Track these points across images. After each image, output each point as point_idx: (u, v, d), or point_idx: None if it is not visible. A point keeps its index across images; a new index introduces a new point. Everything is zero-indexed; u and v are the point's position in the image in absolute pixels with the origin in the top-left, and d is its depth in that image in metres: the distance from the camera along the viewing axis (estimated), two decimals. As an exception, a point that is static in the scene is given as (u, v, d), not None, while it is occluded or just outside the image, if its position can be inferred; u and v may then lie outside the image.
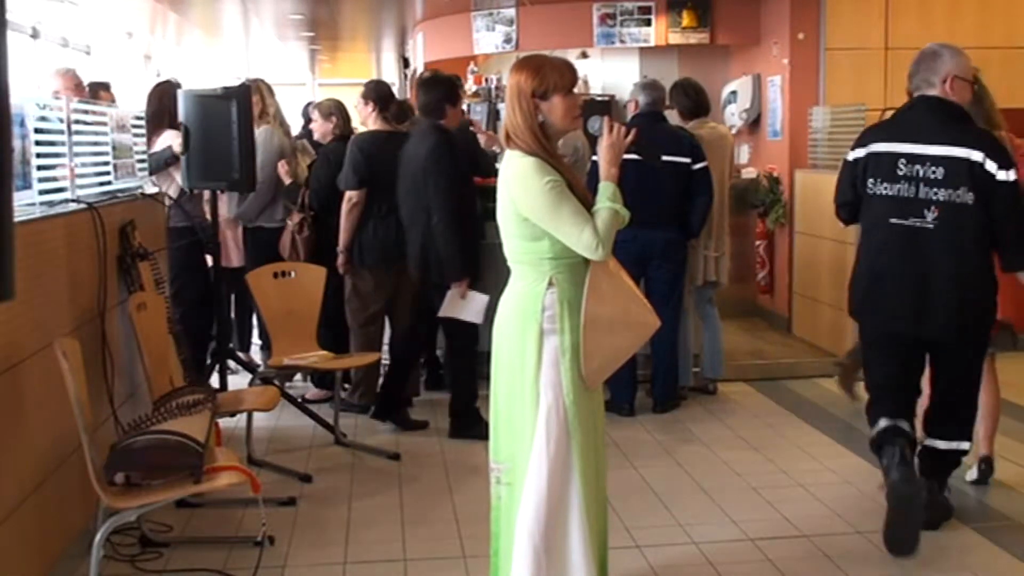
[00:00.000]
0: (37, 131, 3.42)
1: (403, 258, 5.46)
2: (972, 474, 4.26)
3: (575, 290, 2.86)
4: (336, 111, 5.90)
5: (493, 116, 9.30)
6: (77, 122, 3.83)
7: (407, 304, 5.64)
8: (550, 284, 2.84)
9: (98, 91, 6.12)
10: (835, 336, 6.38)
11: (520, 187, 2.81)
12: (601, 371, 2.91)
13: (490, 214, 5.95)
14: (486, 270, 6.06)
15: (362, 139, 5.45)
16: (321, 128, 5.97)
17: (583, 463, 2.88)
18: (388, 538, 3.85)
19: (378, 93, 5.53)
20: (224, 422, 4.43)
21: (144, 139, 4.80)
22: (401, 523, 4.00)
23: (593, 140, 3.10)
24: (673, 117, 5.82)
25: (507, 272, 3.01)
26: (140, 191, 4.55)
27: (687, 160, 5.22)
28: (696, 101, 5.76)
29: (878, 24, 7.04)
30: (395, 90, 5.99)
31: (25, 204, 3.29)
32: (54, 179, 3.60)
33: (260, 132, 5.60)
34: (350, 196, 5.34)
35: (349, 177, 5.34)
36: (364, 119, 5.58)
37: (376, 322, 5.53)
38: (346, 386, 5.75)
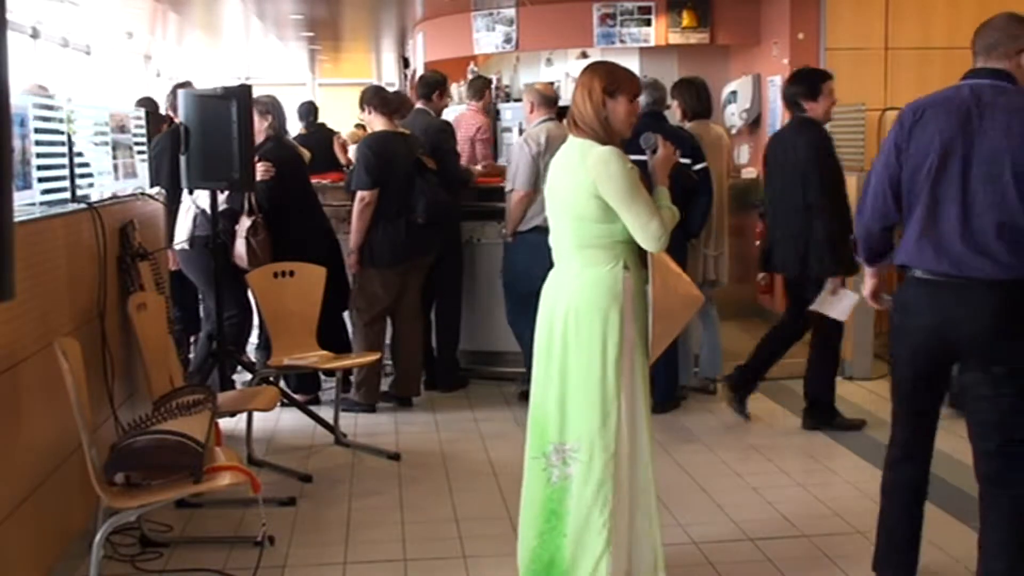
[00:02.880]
0: (37, 131, 3.42)
1: (412, 258, 5.46)
2: None
3: (638, 274, 3.12)
4: (272, 109, 5.55)
5: (493, 115, 9.30)
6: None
7: (412, 304, 5.64)
8: (626, 267, 3.08)
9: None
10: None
11: (603, 170, 3.01)
12: (662, 338, 3.18)
13: (486, 213, 6.02)
14: (484, 269, 6.10)
15: (373, 140, 5.44)
16: (256, 126, 5.45)
17: (648, 441, 3.17)
18: (388, 538, 3.85)
19: (379, 98, 5.50)
20: (224, 422, 4.43)
21: (144, 139, 4.80)
22: (401, 523, 4.00)
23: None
24: (672, 117, 5.82)
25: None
26: (140, 191, 4.56)
27: (687, 160, 5.21)
28: (705, 104, 5.77)
29: (878, 24, 7.04)
30: (395, 90, 5.99)
31: (25, 204, 3.29)
32: (54, 179, 3.60)
33: None
34: (362, 196, 5.32)
35: (362, 177, 5.33)
36: (370, 124, 5.58)
37: (380, 322, 5.53)
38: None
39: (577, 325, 3.08)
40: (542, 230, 5.53)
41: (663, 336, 3.17)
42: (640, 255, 3.12)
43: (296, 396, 5.52)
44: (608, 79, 3.12)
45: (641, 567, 3.20)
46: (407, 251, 5.39)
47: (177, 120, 5.81)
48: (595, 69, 3.19)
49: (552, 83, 9.36)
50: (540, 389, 3.18)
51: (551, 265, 5.73)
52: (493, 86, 10.26)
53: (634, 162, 3.16)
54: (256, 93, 5.34)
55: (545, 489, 3.14)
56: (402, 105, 5.57)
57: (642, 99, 5.43)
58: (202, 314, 5.77)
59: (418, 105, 6.21)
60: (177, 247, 5.39)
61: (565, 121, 3.25)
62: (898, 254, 3.05)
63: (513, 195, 5.59)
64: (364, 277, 5.45)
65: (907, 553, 3.19)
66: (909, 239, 3.00)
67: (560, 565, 3.11)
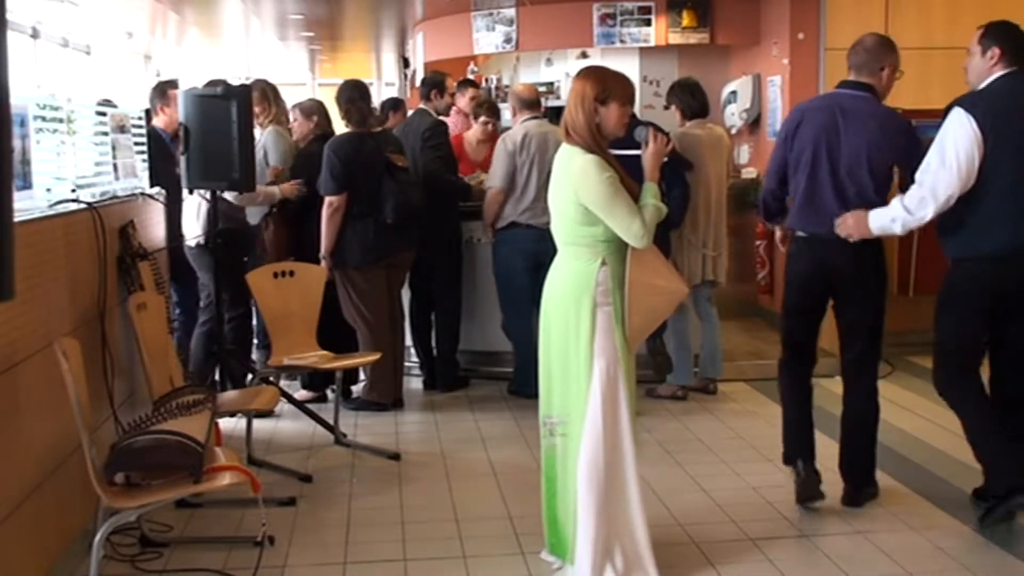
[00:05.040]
0: (37, 131, 3.42)
1: (384, 257, 5.42)
2: None
3: (623, 267, 3.27)
4: (318, 111, 5.84)
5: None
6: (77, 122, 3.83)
7: (392, 306, 5.63)
8: (603, 263, 3.26)
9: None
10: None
11: (582, 180, 3.23)
12: (640, 330, 3.37)
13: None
14: (484, 269, 6.10)
15: (337, 144, 5.38)
16: (301, 128, 5.87)
17: (632, 418, 3.33)
18: (388, 538, 3.85)
19: (349, 98, 5.50)
20: (224, 422, 4.43)
21: (144, 139, 4.80)
22: (401, 523, 4.00)
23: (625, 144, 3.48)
24: (671, 117, 5.83)
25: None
26: (140, 191, 4.55)
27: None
28: (701, 102, 5.78)
29: (878, 24, 7.01)
30: (395, 90, 6.00)
31: (25, 204, 3.29)
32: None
33: (270, 133, 5.65)
34: (331, 201, 5.29)
35: (328, 183, 5.29)
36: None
37: (382, 320, 5.49)
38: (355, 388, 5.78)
39: (555, 313, 3.35)
40: (518, 225, 5.59)
41: (642, 328, 3.38)
42: (624, 252, 3.27)
43: (304, 392, 5.55)
44: (599, 87, 3.26)
45: (629, 556, 3.29)
46: (377, 251, 5.36)
47: (155, 119, 5.81)
48: (586, 76, 3.32)
49: (552, 83, 9.44)
50: (540, 364, 3.46)
51: (532, 259, 5.85)
52: (493, 86, 10.29)
53: (627, 157, 3.33)
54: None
55: (544, 451, 3.45)
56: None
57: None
58: (200, 306, 5.71)
59: (420, 105, 6.22)
60: (191, 242, 5.39)
61: (561, 123, 3.37)
62: (788, 219, 4.11)
63: (488, 192, 5.65)
64: (347, 280, 5.39)
65: (807, 438, 4.06)
66: (794, 209, 4.00)
67: (556, 525, 3.42)
